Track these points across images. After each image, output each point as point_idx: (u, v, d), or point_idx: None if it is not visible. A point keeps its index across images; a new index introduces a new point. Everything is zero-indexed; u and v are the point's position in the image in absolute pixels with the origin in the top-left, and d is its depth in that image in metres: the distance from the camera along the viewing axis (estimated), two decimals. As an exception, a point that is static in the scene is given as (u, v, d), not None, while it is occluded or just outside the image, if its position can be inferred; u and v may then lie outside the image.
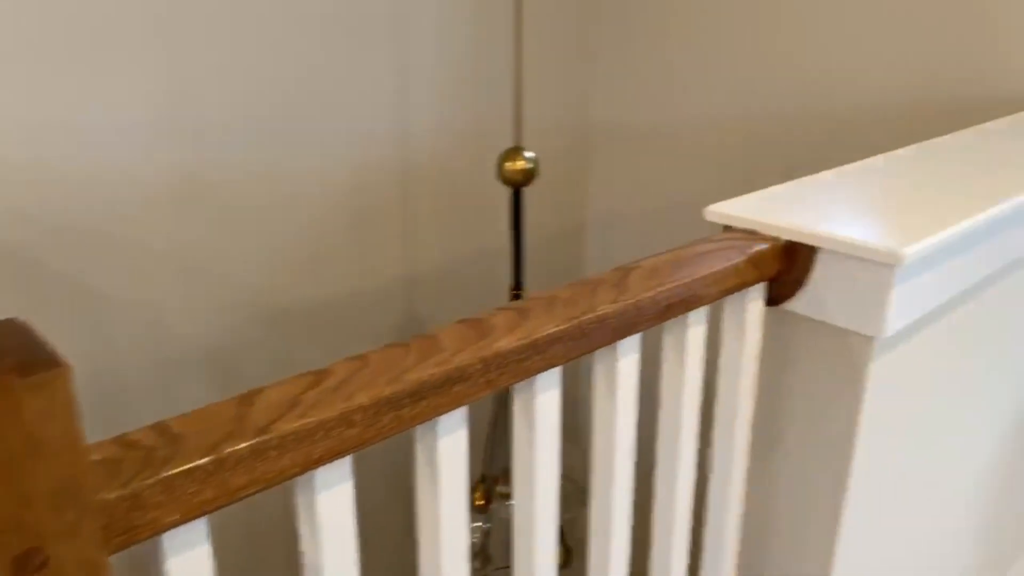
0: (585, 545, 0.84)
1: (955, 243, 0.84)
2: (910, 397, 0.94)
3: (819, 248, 0.81)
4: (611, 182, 2.15)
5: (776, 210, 0.85)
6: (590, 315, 0.65)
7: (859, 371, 0.84)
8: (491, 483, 1.70)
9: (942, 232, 0.80)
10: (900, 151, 1.09)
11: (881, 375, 0.85)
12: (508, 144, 1.45)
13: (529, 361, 0.62)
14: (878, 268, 0.78)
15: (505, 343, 0.60)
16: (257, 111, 1.54)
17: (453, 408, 0.59)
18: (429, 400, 0.57)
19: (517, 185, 1.45)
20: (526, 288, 1.53)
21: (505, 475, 1.72)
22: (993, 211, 0.87)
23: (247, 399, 0.51)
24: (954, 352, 1.01)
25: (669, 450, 0.84)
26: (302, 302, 1.72)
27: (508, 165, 1.42)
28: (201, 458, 0.46)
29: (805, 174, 0.98)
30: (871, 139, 1.67)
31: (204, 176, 1.51)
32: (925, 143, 1.14)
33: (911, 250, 0.76)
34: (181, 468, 0.45)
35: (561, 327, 0.63)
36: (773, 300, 0.86)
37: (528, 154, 1.42)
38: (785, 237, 0.82)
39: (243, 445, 0.48)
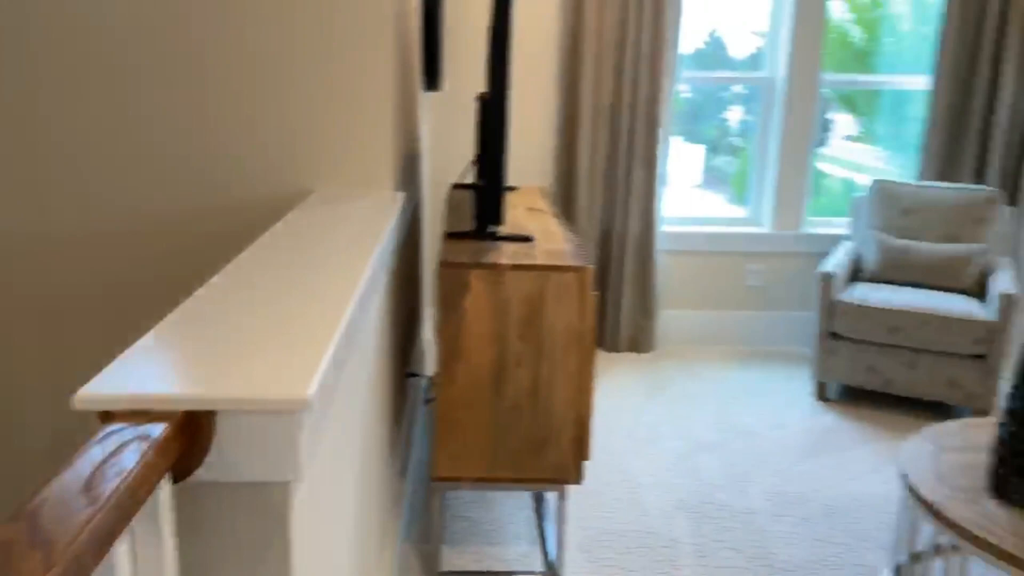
0: None
1: (335, 359, 0.88)
2: (322, 510, 0.95)
3: (219, 411, 0.76)
4: None
5: (156, 379, 0.76)
6: (29, 611, 0.48)
7: (283, 516, 0.81)
8: None
9: (326, 355, 0.83)
10: (218, 279, 1.08)
11: (301, 509, 0.85)
12: None
13: None
14: (285, 416, 0.77)
15: None
16: None
17: None
18: None
19: None
20: None
21: None
22: (346, 317, 0.95)
23: None
24: (341, 440, 1.07)
25: None
26: None
27: None
28: None
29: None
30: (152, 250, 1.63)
31: None
32: (237, 261, 1.15)
33: (312, 391, 0.77)
34: None
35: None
36: (178, 476, 0.77)
37: None
38: (183, 408, 0.74)
39: None
